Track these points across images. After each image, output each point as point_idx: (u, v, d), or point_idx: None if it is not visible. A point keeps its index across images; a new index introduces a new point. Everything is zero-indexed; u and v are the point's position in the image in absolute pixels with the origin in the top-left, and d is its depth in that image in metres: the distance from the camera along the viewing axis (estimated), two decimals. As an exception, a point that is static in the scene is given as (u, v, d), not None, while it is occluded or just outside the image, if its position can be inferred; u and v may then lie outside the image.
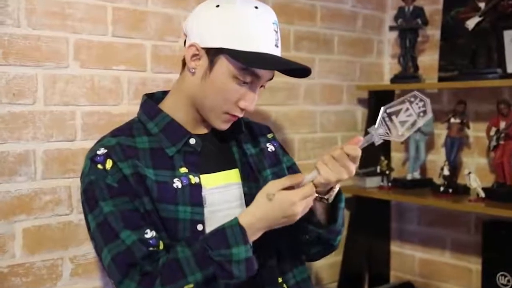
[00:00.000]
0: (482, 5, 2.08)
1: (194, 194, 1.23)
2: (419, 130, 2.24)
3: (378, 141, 1.21)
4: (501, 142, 2.02)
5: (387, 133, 1.20)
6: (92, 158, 1.21)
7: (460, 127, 2.17)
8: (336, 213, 1.33)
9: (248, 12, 1.20)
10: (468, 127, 2.17)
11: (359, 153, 1.19)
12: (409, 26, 2.28)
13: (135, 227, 1.17)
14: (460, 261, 2.36)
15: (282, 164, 1.42)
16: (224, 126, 1.29)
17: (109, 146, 1.22)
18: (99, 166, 1.19)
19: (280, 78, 1.34)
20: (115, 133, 1.27)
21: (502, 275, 2.08)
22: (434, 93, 2.38)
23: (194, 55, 1.23)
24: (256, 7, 1.22)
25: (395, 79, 2.35)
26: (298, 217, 1.20)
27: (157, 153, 1.24)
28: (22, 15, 1.54)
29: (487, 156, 2.22)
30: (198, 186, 1.24)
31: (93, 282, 1.71)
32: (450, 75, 2.21)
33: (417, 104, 1.19)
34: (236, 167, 1.33)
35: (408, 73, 2.31)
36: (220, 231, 1.17)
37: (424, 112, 1.19)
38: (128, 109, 1.75)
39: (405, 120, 1.20)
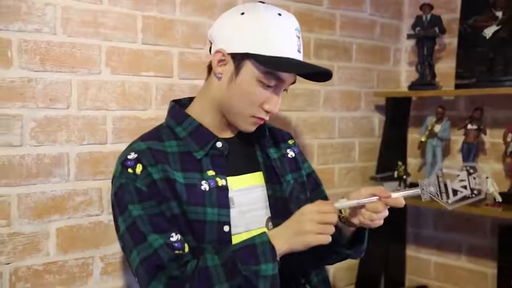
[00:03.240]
0: (499, 14, 2.13)
1: (221, 196, 1.28)
2: (436, 136, 2.29)
3: (426, 198, 1.19)
4: (518, 147, 2.06)
5: (437, 194, 1.16)
6: (123, 162, 1.26)
7: (476, 133, 2.21)
8: (362, 235, 1.38)
9: (272, 19, 1.26)
10: (485, 133, 2.21)
11: (403, 203, 1.25)
12: (426, 34, 2.33)
13: (162, 231, 1.20)
14: (475, 266, 2.40)
15: (302, 171, 1.47)
16: (251, 128, 1.34)
17: (139, 150, 1.26)
18: (130, 170, 1.24)
19: (300, 85, 1.39)
20: (145, 137, 1.32)
21: (518, 279, 2.10)
22: (451, 100, 2.42)
23: (221, 60, 1.28)
24: (280, 14, 1.27)
25: (412, 86, 2.40)
26: (310, 239, 1.19)
27: (185, 157, 1.29)
28: (58, 24, 1.61)
29: (503, 162, 2.25)
30: (225, 188, 1.29)
31: (122, 281, 1.76)
32: (467, 82, 2.25)
33: (474, 178, 1.14)
34: (260, 170, 1.38)
35: (425, 80, 2.36)
36: (251, 246, 1.19)
37: (480, 191, 1.13)
38: (156, 113, 1.81)
39: (458, 190, 1.14)
